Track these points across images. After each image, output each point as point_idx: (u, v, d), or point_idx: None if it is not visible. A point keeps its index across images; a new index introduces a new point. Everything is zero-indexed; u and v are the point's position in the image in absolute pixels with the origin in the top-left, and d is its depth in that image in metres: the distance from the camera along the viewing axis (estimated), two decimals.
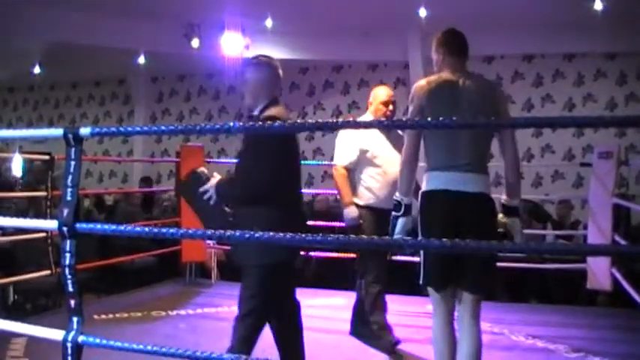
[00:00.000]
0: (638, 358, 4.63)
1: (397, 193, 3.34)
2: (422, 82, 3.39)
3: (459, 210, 3.18)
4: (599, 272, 5.84)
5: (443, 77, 3.40)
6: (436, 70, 3.55)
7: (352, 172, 4.69)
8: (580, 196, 8.54)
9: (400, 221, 3.29)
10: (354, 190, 4.69)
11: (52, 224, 2.51)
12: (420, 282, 3.31)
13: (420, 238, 3.23)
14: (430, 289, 3.31)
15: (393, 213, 3.33)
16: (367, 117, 4.74)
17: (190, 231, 2.40)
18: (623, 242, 5.87)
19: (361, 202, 4.65)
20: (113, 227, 2.42)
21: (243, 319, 3.27)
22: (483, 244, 2.00)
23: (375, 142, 4.60)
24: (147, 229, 2.36)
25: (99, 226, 2.47)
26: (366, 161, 4.62)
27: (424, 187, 3.32)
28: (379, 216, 4.41)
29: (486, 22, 9.03)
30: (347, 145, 4.66)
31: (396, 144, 4.44)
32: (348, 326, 4.77)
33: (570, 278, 6.56)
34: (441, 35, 3.64)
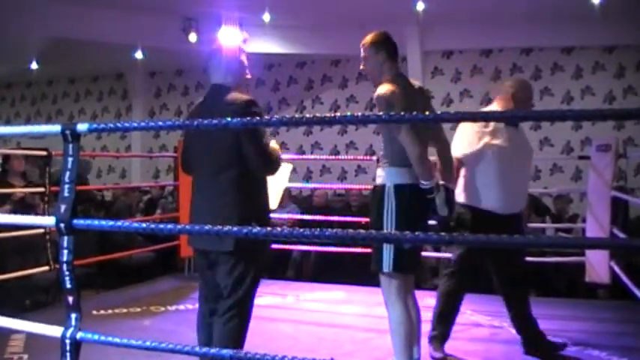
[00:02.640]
0: (639, 350, 4.63)
1: (425, 182, 3.44)
2: (391, 88, 3.49)
3: (424, 202, 3.47)
4: (598, 265, 5.84)
5: (403, 83, 3.62)
6: (374, 70, 3.72)
7: None
8: (579, 190, 8.54)
9: (438, 197, 3.49)
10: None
11: (49, 221, 2.50)
12: (391, 268, 3.47)
13: (389, 225, 3.46)
14: (399, 275, 3.52)
15: (429, 196, 3.47)
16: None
17: (188, 227, 2.39)
18: (621, 235, 5.88)
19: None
20: (111, 223, 2.41)
21: (246, 304, 3.32)
22: (481, 237, 2.00)
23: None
24: (144, 224, 2.35)
25: (96, 222, 2.46)
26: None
27: (400, 180, 3.50)
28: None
29: (484, 16, 9.03)
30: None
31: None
32: (346, 319, 4.75)
33: (570, 271, 6.56)
34: (380, 38, 3.72)
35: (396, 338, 3.52)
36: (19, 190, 6.15)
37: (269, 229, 2.16)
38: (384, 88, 3.49)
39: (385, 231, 3.45)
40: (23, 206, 6.04)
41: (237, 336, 3.27)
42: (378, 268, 3.53)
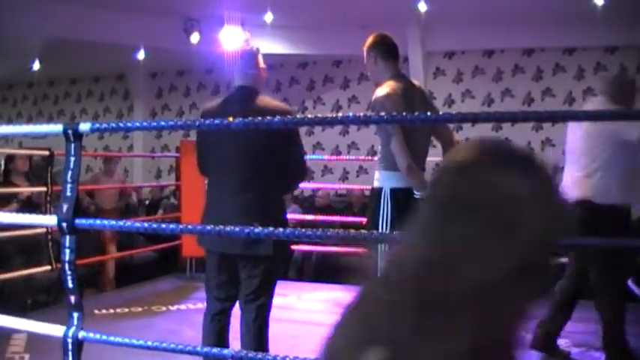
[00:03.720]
0: None
1: (417, 194, 3.42)
2: (388, 91, 3.49)
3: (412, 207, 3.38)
4: None
5: (402, 84, 3.61)
6: (373, 72, 3.78)
7: None
8: None
9: None
10: None
11: (51, 220, 2.50)
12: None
13: (385, 228, 3.45)
14: None
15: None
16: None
17: (190, 226, 2.39)
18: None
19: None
20: (112, 223, 2.42)
21: (271, 303, 3.37)
22: None
23: None
24: (146, 224, 2.35)
25: (98, 222, 2.46)
26: None
27: (397, 184, 3.48)
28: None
29: (486, 16, 9.02)
30: None
31: None
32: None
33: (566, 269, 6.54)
34: (375, 40, 3.77)
35: None
36: (23, 190, 6.17)
37: (270, 229, 2.15)
38: (381, 92, 3.51)
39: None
40: (29, 205, 6.06)
41: (265, 334, 3.35)
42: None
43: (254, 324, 3.28)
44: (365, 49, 3.74)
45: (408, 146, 3.43)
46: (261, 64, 3.59)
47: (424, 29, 9.69)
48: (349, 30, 9.44)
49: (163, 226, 2.21)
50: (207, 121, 2.35)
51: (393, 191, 3.49)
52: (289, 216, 8.23)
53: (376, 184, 3.60)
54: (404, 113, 3.28)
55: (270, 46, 10.04)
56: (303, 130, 11.02)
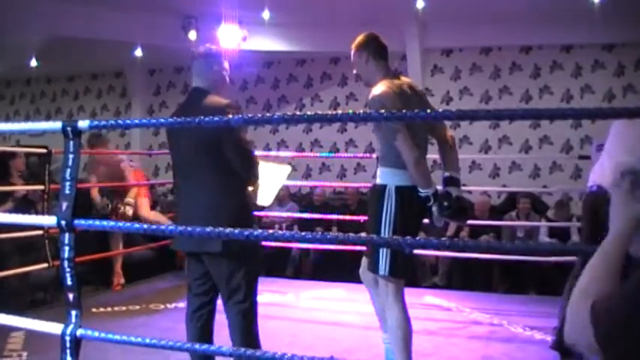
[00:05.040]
0: None
1: (423, 191, 3.44)
2: (384, 89, 3.49)
3: (424, 205, 3.49)
4: None
5: (397, 82, 3.61)
6: (364, 72, 3.74)
7: None
8: (578, 189, 8.54)
9: (434, 208, 3.47)
10: None
11: (50, 220, 2.50)
12: (387, 272, 3.48)
13: (388, 225, 3.47)
14: (397, 280, 3.52)
15: (428, 204, 3.47)
16: None
17: (189, 228, 2.40)
18: None
19: None
20: (112, 224, 2.42)
21: (248, 301, 3.33)
22: (482, 243, 1.99)
23: None
24: (145, 225, 2.35)
25: (97, 222, 2.46)
26: None
27: (401, 182, 3.49)
28: None
29: (483, 14, 9.01)
30: None
31: None
32: (346, 317, 4.75)
33: (570, 269, 6.56)
34: (364, 39, 3.73)
35: (395, 340, 3.52)
36: (20, 188, 6.16)
37: (270, 231, 2.16)
38: (378, 90, 3.50)
39: (382, 232, 3.47)
40: (25, 204, 6.05)
41: (252, 333, 3.32)
42: (375, 269, 3.54)
43: (234, 323, 3.30)
44: (355, 48, 3.72)
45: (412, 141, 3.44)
46: (226, 67, 3.59)
47: (422, 26, 9.69)
48: (347, 27, 9.37)
49: (162, 227, 2.21)
50: (207, 119, 2.34)
51: (398, 189, 3.49)
52: (287, 214, 8.30)
53: (379, 181, 3.60)
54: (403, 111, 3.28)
55: (268, 43, 10.05)
56: (300, 127, 11.08)
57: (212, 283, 3.38)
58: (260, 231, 2.23)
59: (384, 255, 3.49)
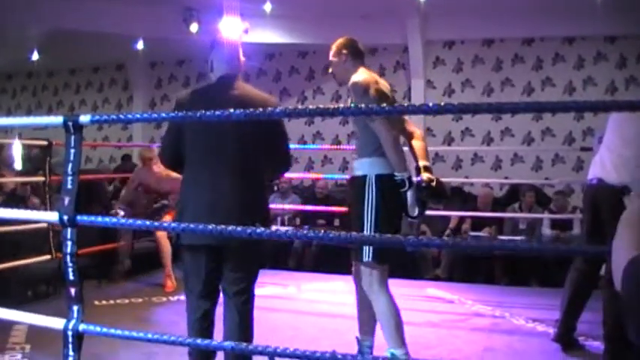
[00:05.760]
0: None
1: (398, 174, 3.48)
2: (364, 75, 3.65)
3: (399, 191, 3.54)
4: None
5: (375, 76, 3.76)
6: (339, 70, 3.87)
7: None
8: (580, 181, 8.53)
9: (409, 194, 3.48)
10: None
11: (52, 216, 2.49)
12: (371, 258, 3.51)
13: (370, 215, 3.50)
14: (381, 266, 3.56)
15: (402, 190, 3.49)
16: None
17: (192, 225, 2.39)
18: None
19: None
20: (114, 220, 2.42)
21: (253, 290, 3.30)
22: (484, 242, 1.99)
23: None
24: (148, 222, 2.34)
25: (100, 218, 2.46)
26: None
27: (381, 170, 3.54)
28: None
29: (486, 6, 8.99)
30: None
31: None
32: (348, 309, 4.74)
33: (572, 261, 6.56)
34: (342, 41, 3.95)
35: (387, 327, 3.56)
36: (20, 180, 6.17)
37: (273, 229, 2.15)
38: (358, 76, 3.61)
39: (365, 221, 3.51)
40: (14, 198, 6.05)
41: (251, 327, 3.27)
42: (359, 257, 3.56)
43: (241, 317, 3.25)
44: (335, 48, 3.87)
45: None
46: (241, 56, 3.55)
47: (424, 18, 9.67)
48: (349, 19, 9.42)
49: (165, 224, 2.20)
50: (209, 113, 2.33)
51: (378, 177, 3.54)
52: (290, 206, 8.31)
53: (359, 172, 3.63)
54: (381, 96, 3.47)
55: (270, 35, 10.03)
56: (302, 119, 11.07)
57: (217, 282, 3.26)
58: (285, 229, 2.23)
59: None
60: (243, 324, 3.21)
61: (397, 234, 3.28)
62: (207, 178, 3.21)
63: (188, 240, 3.20)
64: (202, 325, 3.20)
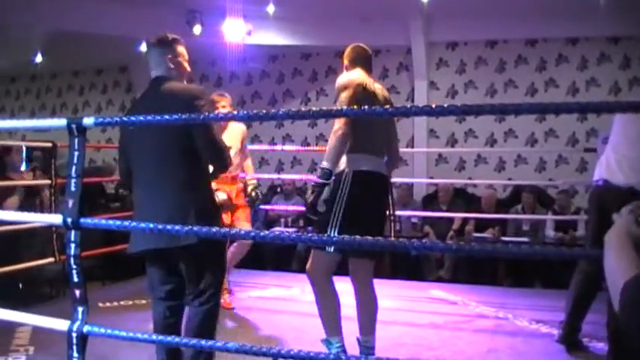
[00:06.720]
0: None
1: (325, 163, 3.54)
2: (347, 75, 3.88)
3: (380, 188, 3.74)
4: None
5: (366, 77, 3.88)
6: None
7: None
8: (584, 182, 8.52)
9: (326, 190, 3.56)
10: None
11: (56, 219, 2.50)
12: (332, 248, 3.66)
13: (339, 208, 3.58)
14: (332, 255, 3.73)
15: (321, 181, 3.54)
16: None
17: (195, 228, 2.40)
18: None
19: None
20: (118, 223, 2.42)
21: (216, 290, 3.28)
22: (487, 246, 1.99)
23: None
24: (152, 225, 2.35)
25: (103, 221, 2.47)
26: None
27: (352, 166, 3.64)
28: None
29: (489, 7, 8.99)
30: None
31: None
32: (351, 311, 4.73)
33: (575, 262, 6.55)
34: (350, 49, 4.16)
35: (325, 315, 3.75)
36: (28, 183, 6.18)
37: (275, 231, 2.15)
38: (342, 77, 3.85)
39: (333, 214, 3.58)
40: (30, 194, 6.08)
41: (214, 331, 3.23)
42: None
43: (201, 320, 3.22)
44: (342, 57, 4.15)
45: (365, 130, 3.63)
46: (182, 53, 3.64)
47: (426, 20, 9.66)
48: (352, 21, 9.43)
49: (169, 227, 2.21)
50: (212, 115, 2.34)
51: (355, 173, 3.62)
52: (292, 208, 8.30)
53: (339, 168, 3.67)
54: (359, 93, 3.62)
55: (273, 37, 10.03)
56: (305, 121, 11.06)
57: (179, 284, 3.28)
58: (265, 232, 2.23)
59: (331, 231, 3.60)
60: (197, 329, 3.12)
61: (368, 230, 3.10)
62: (144, 182, 3.26)
63: (135, 246, 3.27)
64: (168, 326, 3.28)
